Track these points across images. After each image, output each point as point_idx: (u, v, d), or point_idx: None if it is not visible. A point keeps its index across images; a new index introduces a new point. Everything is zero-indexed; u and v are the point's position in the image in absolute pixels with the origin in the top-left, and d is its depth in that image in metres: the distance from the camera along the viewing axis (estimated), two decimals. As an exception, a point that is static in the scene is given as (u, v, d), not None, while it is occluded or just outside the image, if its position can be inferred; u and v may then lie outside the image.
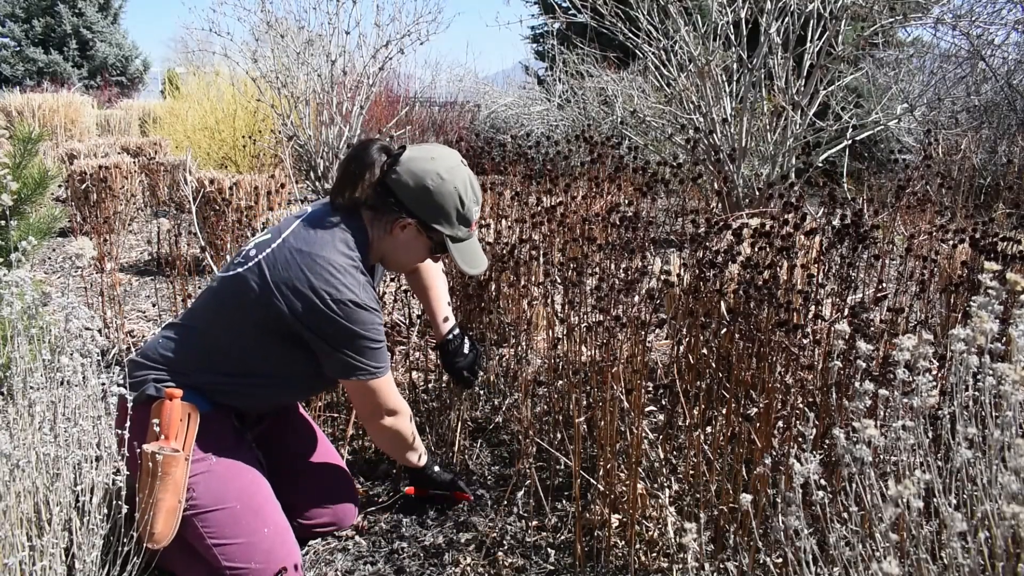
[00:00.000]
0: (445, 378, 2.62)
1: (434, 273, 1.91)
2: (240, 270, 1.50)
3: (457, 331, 1.89)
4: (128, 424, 1.31)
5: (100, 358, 1.31)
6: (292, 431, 1.81)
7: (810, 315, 1.61)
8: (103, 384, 1.29)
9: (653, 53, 4.56)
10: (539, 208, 2.51)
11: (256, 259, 1.49)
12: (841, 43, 4.26)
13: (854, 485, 0.95)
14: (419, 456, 1.77)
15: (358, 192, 1.53)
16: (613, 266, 1.92)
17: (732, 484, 1.54)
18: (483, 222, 2.69)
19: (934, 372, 0.98)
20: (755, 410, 1.58)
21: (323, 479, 1.78)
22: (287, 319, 1.44)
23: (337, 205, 1.56)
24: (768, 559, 1.18)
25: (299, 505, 1.70)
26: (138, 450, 1.38)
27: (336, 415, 2.25)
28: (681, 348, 1.90)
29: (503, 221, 2.87)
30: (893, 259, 3.09)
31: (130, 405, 1.36)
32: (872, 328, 1.54)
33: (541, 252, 2.51)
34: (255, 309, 1.46)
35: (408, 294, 2.60)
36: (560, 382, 2.39)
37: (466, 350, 1.89)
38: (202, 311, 1.58)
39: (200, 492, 1.47)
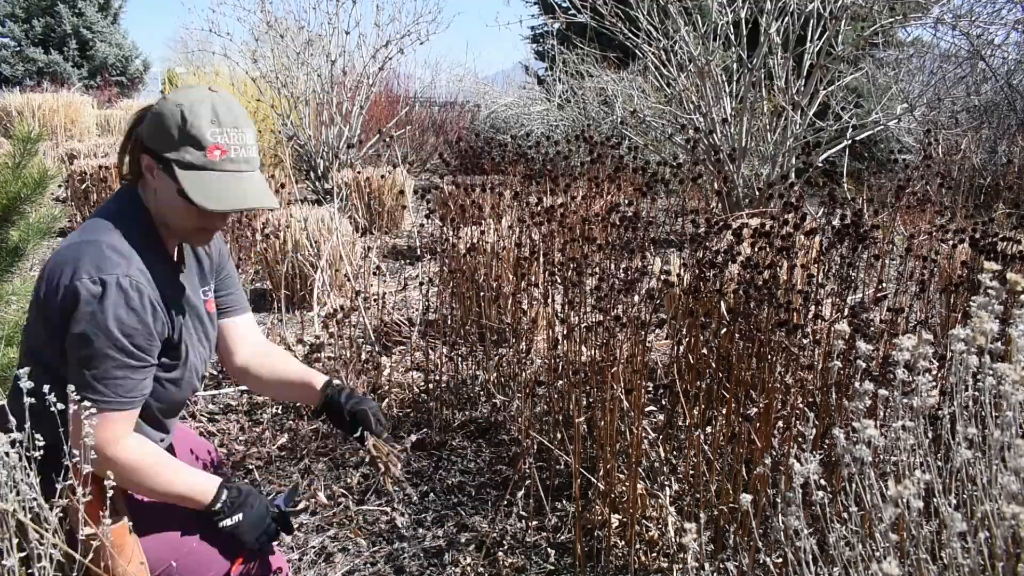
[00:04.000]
0: (445, 377, 2.63)
1: (279, 354, 1.61)
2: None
3: (334, 382, 1.53)
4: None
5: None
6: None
7: (810, 315, 1.61)
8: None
9: (653, 53, 4.57)
10: (539, 208, 2.51)
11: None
12: (841, 43, 4.26)
13: (854, 485, 0.95)
14: (198, 496, 1.31)
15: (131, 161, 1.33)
16: (613, 266, 1.92)
17: (732, 484, 1.54)
18: (483, 221, 2.69)
19: (934, 372, 0.98)
20: (755, 410, 1.58)
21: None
22: (40, 314, 1.23)
23: (121, 188, 1.35)
24: (768, 559, 1.18)
25: None
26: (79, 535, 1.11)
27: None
28: (681, 348, 1.90)
29: (503, 220, 2.87)
30: (893, 259, 3.09)
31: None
32: (872, 328, 1.54)
33: (541, 252, 2.51)
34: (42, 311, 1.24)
35: (408, 297, 2.61)
36: (560, 382, 2.39)
37: (356, 400, 1.49)
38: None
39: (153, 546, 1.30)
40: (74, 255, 1.21)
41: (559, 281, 1.98)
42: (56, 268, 1.21)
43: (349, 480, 2.03)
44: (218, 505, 1.32)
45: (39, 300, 1.23)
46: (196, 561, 1.36)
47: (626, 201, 2.43)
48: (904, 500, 0.85)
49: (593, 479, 1.68)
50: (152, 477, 1.27)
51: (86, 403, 1.07)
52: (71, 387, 1.09)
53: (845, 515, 0.98)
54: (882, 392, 1.03)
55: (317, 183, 6.32)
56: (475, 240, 2.74)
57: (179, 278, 1.36)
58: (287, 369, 1.56)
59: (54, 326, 1.21)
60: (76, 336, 1.18)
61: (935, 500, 0.91)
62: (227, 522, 1.33)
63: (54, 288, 1.20)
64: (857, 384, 1.01)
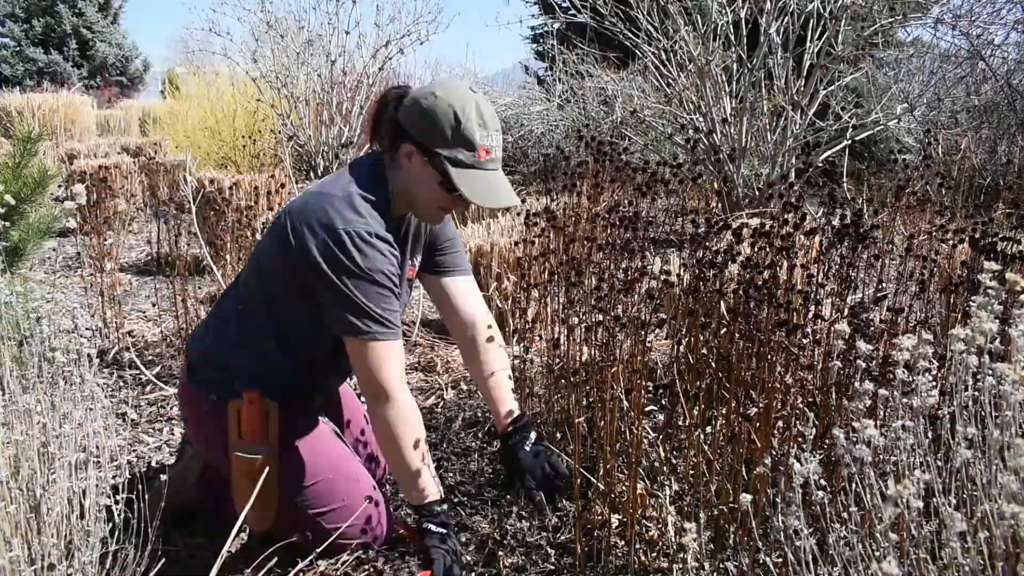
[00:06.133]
0: (446, 377, 2.62)
1: (495, 356, 1.73)
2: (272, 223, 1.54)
3: (521, 423, 1.67)
4: (199, 420, 1.59)
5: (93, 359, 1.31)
6: (340, 405, 1.87)
7: (810, 315, 1.61)
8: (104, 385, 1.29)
9: (653, 53, 4.56)
10: (538, 208, 2.51)
11: (283, 209, 1.50)
12: (841, 43, 4.26)
13: (854, 485, 0.95)
14: (422, 487, 1.50)
15: (380, 137, 1.53)
16: (613, 266, 1.92)
17: (732, 484, 1.54)
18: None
19: (934, 372, 0.98)
20: (755, 410, 1.58)
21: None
22: (296, 261, 1.42)
23: (370, 155, 1.56)
24: (768, 559, 1.18)
25: None
26: (231, 452, 1.53)
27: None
28: (681, 348, 1.90)
29: (501, 219, 2.87)
30: (893, 259, 3.09)
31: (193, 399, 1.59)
32: (872, 328, 1.54)
33: (541, 252, 2.50)
34: (278, 257, 1.48)
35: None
36: (560, 382, 2.39)
37: (528, 447, 1.62)
38: (245, 286, 1.60)
39: (294, 471, 1.56)
40: (327, 207, 1.42)
41: (558, 281, 1.97)
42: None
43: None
44: (436, 508, 1.48)
45: (290, 253, 1.43)
46: (335, 485, 1.60)
47: (627, 201, 2.43)
48: (904, 500, 0.85)
49: (593, 479, 1.68)
50: (414, 433, 1.46)
51: (356, 332, 1.42)
52: (339, 322, 1.44)
53: (845, 515, 0.98)
54: (882, 392, 1.03)
55: (317, 183, 6.30)
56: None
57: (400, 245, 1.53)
58: (494, 381, 1.71)
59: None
60: (344, 266, 1.40)
61: (935, 500, 0.91)
62: (430, 527, 1.47)
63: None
64: (857, 384, 1.01)
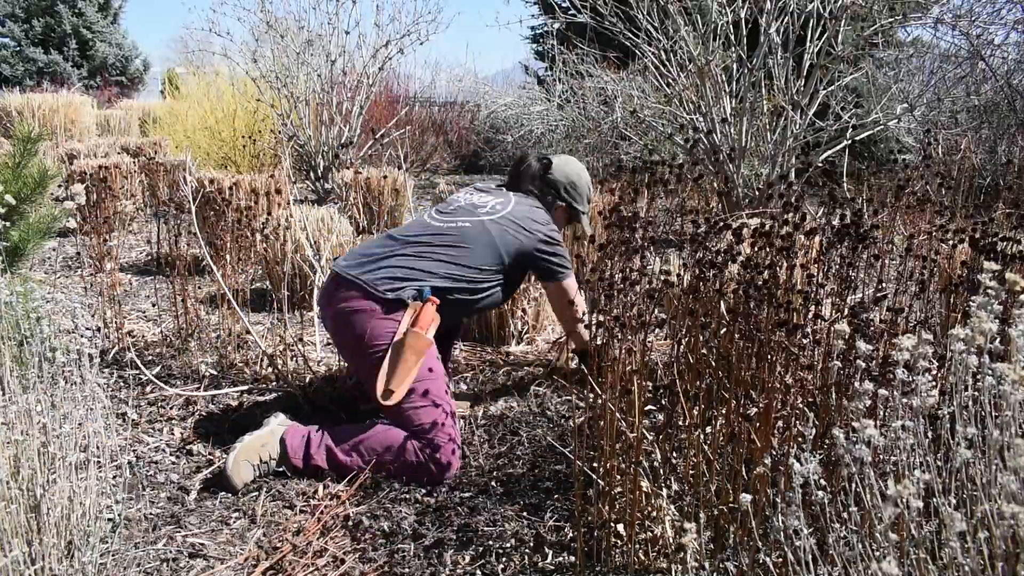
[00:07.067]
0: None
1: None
2: (486, 219, 2.21)
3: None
4: (375, 313, 2.00)
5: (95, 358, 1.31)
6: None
7: (810, 315, 1.61)
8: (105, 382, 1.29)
9: (653, 53, 4.56)
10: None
11: (502, 212, 2.24)
12: (841, 43, 4.26)
13: (854, 485, 0.95)
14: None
15: (524, 185, 2.39)
16: (612, 266, 1.92)
17: (732, 484, 1.54)
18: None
19: (934, 372, 0.98)
20: (755, 410, 1.58)
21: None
22: (521, 246, 2.20)
23: (514, 191, 2.38)
24: (768, 559, 1.18)
25: None
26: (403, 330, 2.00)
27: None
28: (681, 348, 1.90)
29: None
30: (893, 259, 3.09)
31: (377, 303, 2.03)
32: (872, 328, 1.54)
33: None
34: (502, 243, 2.17)
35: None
36: (561, 381, 2.38)
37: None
38: (443, 243, 2.14)
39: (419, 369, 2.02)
40: (546, 222, 2.31)
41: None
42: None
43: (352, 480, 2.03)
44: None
45: (519, 242, 2.22)
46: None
47: (628, 200, 2.44)
48: (904, 500, 0.85)
49: (593, 478, 1.68)
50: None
51: (560, 276, 2.30)
52: (548, 273, 2.30)
53: (845, 515, 0.98)
54: (882, 392, 1.03)
55: (317, 183, 6.32)
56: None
57: None
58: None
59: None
60: (556, 249, 2.29)
61: (935, 500, 0.92)
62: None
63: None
64: (857, 384, 1.01)
